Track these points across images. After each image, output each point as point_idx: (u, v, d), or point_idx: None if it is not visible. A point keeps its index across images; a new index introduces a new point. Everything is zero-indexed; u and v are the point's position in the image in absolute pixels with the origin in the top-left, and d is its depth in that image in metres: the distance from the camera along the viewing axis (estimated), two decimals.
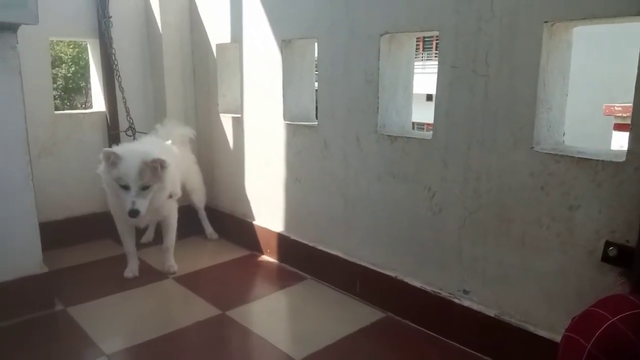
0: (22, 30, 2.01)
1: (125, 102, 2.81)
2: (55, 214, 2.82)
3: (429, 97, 13.36)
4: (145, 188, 2.19)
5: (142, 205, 2.17)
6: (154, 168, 2.19)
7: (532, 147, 1.60)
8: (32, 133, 2.35)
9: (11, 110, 2.01)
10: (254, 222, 2.85)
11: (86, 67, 18.84)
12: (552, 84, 1.61)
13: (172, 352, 1.89)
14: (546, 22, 1.53)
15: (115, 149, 2.25)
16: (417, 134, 2.05)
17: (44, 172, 2.73)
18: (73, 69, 19.31)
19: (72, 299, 2.25)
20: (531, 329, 1.67)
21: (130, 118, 2.80)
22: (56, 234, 2.72)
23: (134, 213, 2.14)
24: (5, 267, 2.05)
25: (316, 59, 2.36)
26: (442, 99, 1.84)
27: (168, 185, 2.32)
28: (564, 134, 1.69)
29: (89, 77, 3.11)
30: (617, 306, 1.06)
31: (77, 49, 18.89)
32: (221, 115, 2.97)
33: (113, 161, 2.17)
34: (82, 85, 19.59)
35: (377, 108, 2.05)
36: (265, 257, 2.78)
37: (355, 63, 2.12)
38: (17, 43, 1.99)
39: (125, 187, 2.16)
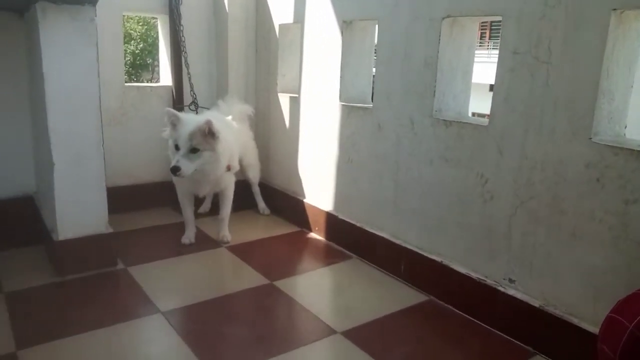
0: (98, 5, 2.14)
1: (190, 78, 2.94)
2: (121, 180, 3.01)
3: (492, 88, 12.93)
4: (194, 151, 2.29)
5: (186, 166, 2.27)
6: (205, 134, 2.29)
7: (590, 138, 1.57)
8: (103, 102, 2.50)
9: (88, 78, 2.15)
10: (305, 200, 2.92)
11: (154, 44, 19.52)
12: (617, 74, 1.57)
13: (222, 314, 2.00)
14: (614, 9, 1.48)
15: (177, 112, 2.39)
16: (473, 119, 2.03)
17: (113, 140, 2.91)
18: (141, 45, 20.07)
19: (132, 260, 2.41)
20: (575, 321, 1.65)
21: (194, 93, 2.93)
22: (120, 199, 2.89)
23: (174, 170, 2.25)
24: (75, 225, 2.22)
25: (376, 41, 2.37)
26: (501, 85, 1.82)
27: (222, 158, 2.41)
28: (625, 127, 1.64)
29: (156, 54, 3.27)
30: None
31: (145, 27, 19.59)
32: (279, 94, 3.05)
33: (173, 122, 2.33)
34: (149, 62, 20.35)
35: (434, 92, 2.05)
36: (314, 235, 2.85)
37: (415, 46, 2.12)
38: (96, 16, 2.13)
39: (177, 148, 2.29)
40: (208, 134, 2.29)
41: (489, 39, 18.14)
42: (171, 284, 2.25)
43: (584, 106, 1.58)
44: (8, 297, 2.04)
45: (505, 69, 1.80)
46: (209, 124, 2.27)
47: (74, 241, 2.22)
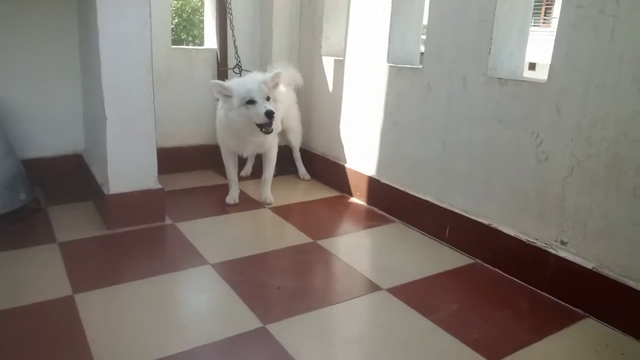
0: None
1: (234, 41, 2.95)
2: (166, 141, 3.05)
3: (531, 66, 12.56)
4: (268, 99, 2.37)
5: (273, 107, 2.36)
6: (272, 85, 2.42)
7: None
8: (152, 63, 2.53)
9: (141, 36, 2.18)
10: (346, 165, 2.92)
11: (189, 19, 19.61)
12: None
13: (267, 268, 2.04)
14: None
15: (223, 82, 2.43)
16: (529, 77, 1.98)
17: (159, 102, 2.91)
18: (176, 20, 20.17)
19: (180, 216, 2.46)
20: (632, 284, 1.62)
21: (238, 56, 2.94)
22: (166, 160, 2.93)
23: (269, 114, 2.31)
24: (126, 179, 2.28)
25: None
26: (562, 41, 1.76)
27: (280, 107, 2.49)
28: None
29: (189, 29, 3.27)
30: None
31: (181, 1, 19.64)
32: (323, 57, 3.02)
33: (222, 92, 2.38)
34: (183, 37, 20.45)
35: (490, 49, 2.00)
36: (355, 199, 2.85)
37: (470, 1, 2.06)
38: None
39: (252, 102, 2.34)
40: (273, 86, 2.42)
41: None
42: (218, 239, 2.29)
43: None
44: (62, 246, 2.11)
45: (567, 24, 1.74)
46: (278, 75, 2.43)
47: (124, 195, 2.28)
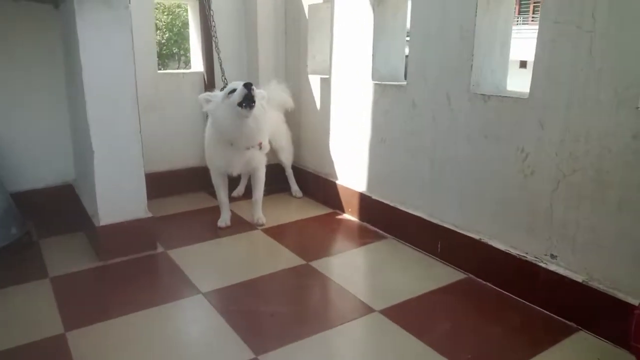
0: None
1: (220, 63, 2.95)
2: (157, 166, 3.06)
3: (522, 64, 12.60)
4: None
5: (255, 92, 2.34)
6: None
7: (638, 107, 1.52)
8: (138, 90, 2.54)
9: (124, 66, 2.19)
10: (337, 182, 2.92)
11: (179, 33, 19.67)
12: None
13: (260, 294, 2.03)
14: None
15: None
16: (512, 93, 1.99)
17: (148, 127, 2.94)
18: (167, 35, 20.25)
19: (172, 243, 2.46)
20: (621, 296, 1.62)
21: (225, 79, 2.94)
22: (157, 184, 2.95)
23: (247, 85, 2.31)
24: (116, 210, 2.27)
25: (409, 16, 2.33)
26: (542, 56, 1.77)
27: (264, 121, 2.49)
28: None
29: (181, 43, 3.30)
30: None
31: (170, 16, 19.73)
32: (310, 76, 3.04)
33: (208, 99, 2.46)
34: (175, 51, 20.53)
35: (472, 66, 2.01)
36: (347, 216, 2.86)
37: (450, 19, 2.07)
38: (130, 3, 2.15)
39: (234, 91, 2.36)
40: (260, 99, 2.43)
41: (518, 14, 17.67)
42: (210, 266, 2.29)
43: (630, 75, 1.52)
44: (54, 281, 2.11)
45: (546, 39, 1.75)
46: (262, 94, 2.47)
47: (114, 226, 2.28)
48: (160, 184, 3.02)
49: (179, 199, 3.09)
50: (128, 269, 2.22)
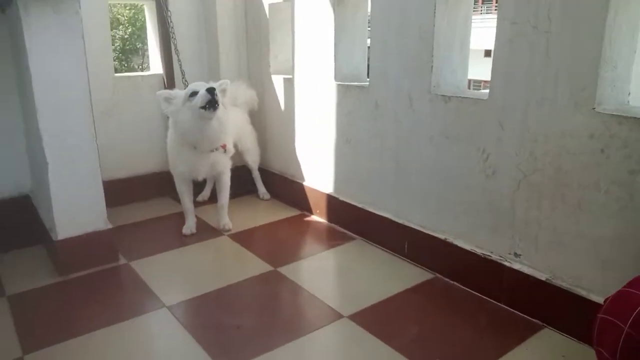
0: None
1: (180, 65, 2.87)
2: (117, 172, 2.97)
3: (487, 53, 12.80)
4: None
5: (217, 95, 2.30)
6: (220, 89, 2.39)
7: (594, 108, 1.53)
8: (94, 94, 2.44)
9: (76, 74, 2.10)
10: (304, 183, 2.89)
11: (142, 28, 19.20)
12: (619, 40, 1.52)
13: (227, 305, 1.99)
14: None
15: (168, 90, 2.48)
16: (472, 93, 1.99)
17: (106, 133, 2.86)
18: (130, 30, 19.75)
19: (134, 254, 2.39)
20: (583, 293, 1.64)
21: (186, 80, 2.86)
22: (118, 192, 2.87)
23: (209, 89, 2.27)
24: (73, 223, 2.20)
25: (369, 16, 2.31)
26: (500, 57, 1.77)
27: (228, 122, 2.44)
28: (629, 94, 1.60)
29: (145, 38, 3.19)
30: None
31: (133, 10, 19.25)
32: (273, 76, 2.99)
33: (167, 98, 2.38)
34: (139, 46, 20.06)
35: (432, 67, 2.00)
36: (315, 217, 2.83)
37: (409, 19, 2.06)
38: (80, 8, 2.06)
39: (195, 94, 2.31)
40: (221, 92, 2.39)
41: (482, 3, 17.89)
42: (175, 276, 2.24)
43: (586, 75, 1.54)
44: (11, 300, 2.03)
45: (503, 40, 1.75)
46: (225, 84, 2.44)
47: (73, 239, 2.20)
48: (121, 192, 2.94)
49: (142, 206, 3.01)
50: (89, 284, 2.15)
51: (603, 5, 1.46)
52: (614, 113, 1.49)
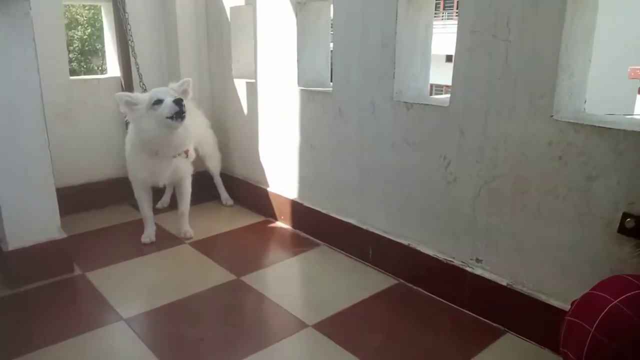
0: None
1: (138, 68, 2.80)
2: (73, 179, 2.86)
3: (448, 58, 13.03)
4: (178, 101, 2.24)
5: (184, 103, 2.23)
6: (183, 91, 2.39)
7: (552, 116, 1.56)
8: (47, 98, 2.35)
9: (26, 78, 2.00)
10: (268, 189, 2.86)
11: (102, 29, 18.72)
12: (576, 49, 1.55)
13: (188, 316, 1.94)
14: None
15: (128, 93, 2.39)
16: (433, 100, 2.00)
17: (61, 137, 2.75)
18: (89, 31, 19.25)
19: (91, 264, 2.30)
20: (543, 298, 1.67)
21: (144, 84, 2.79)
22: (74, 199, 2.76)
23: (178, 101, 2.19)
24: (24, 233, 2.09)
25: (332, 22, 2.30)
26: (460, 64, 1.79)
27: (191, 127, 2.40)
28: (585, 102, 1.63)
29: (104, 41, 3.09)
30: (617, 288, 1.04)
31: (92, 11, 18.77)
32: (235, 80, 2.94)
33: (128, 102, 2.26)
34: (98, 47, 19.55)
35: (394, 74, 2.00)
36: (279, 224, 2.80)
37: (371, 26, 2.06)
38: (30, 9, 1.97)
39: (159, 102, 2.23)
40: (182, 93, 2.34)
41: (443, 9, 18.23)
42: (132, 287, 2.16)
43: (544, 83, 1.57)
44: None
45: (463, 48, 1.77)
46: (187, 83, 2.40)
47: (25, 250, 2.10)
48: (77, 199, 2.83)
49: (99, 214, 2.90)
50: (42, 297, 2.05)
51: (560, 14, 1.49)
52: (571, 121, 1.53)
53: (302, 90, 2.48)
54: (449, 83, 1.85)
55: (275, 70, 2.63)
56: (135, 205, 2.64)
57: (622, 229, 1.44)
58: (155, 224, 2.62)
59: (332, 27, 2.33)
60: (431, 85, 2.19)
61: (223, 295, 2.08)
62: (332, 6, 2.28)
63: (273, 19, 2.57)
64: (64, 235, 2.20)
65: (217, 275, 2.23)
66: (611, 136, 1.44)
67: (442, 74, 6.23)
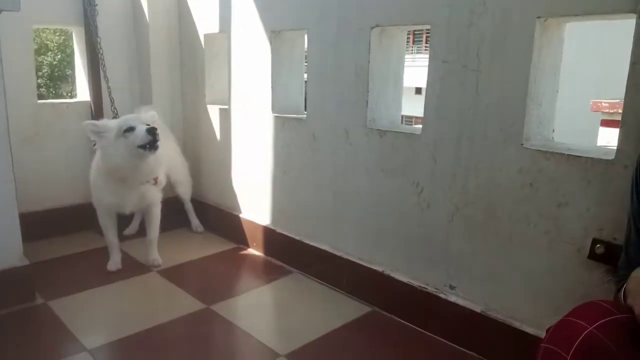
0: (4, 17, 1.95)
1: (110, 92, 2.76)
2: (37, 204, 2.76)
3: (417, 91, 13.36)
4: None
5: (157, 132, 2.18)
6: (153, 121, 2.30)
7: (522, 144, 1.60)
8: (13, 122, 2.28)
9: None
10: (240, 215, 2.82)
11: (72, 55, 18.52)
12: (544, 80, 1.60)
13: (154, 347, 1.86)
14: (539, 17, 1.52)
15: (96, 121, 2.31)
16: (406, 128, 2.03)
17: (26, 162, 2.66)
18: (59, 56, 19.01)
19: (54, 292, 2.20)
20: (517, 325, 1.67)
21: (115, 108, 2.74)
22: (38, 225, 2.66)
23: (151, 130, 2.14)
24: None
25: (306, 50, 2.33)
26: (432, 94, 1.82)
27: (162, 154, 2.33)
28: (553, 131, 1.68)
29: (75, 65, 3.04)
30: (592, 314, 1.04)
31: (63, 37, 18.59)
32: (208, 106, 2.93)
33: (97, 131, 2.22)
34: (68, 73, 19.29)
35: (367, 102, 2.03)
36: (252, 251, 2.76)
37: (345, 56, 2.09)
38: None
39: (130, 129, 2.17)
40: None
41: (413, 43, 18.75)
42: (98, 317, 2.07)
43: (514, 112, 1.61)
44: None
45: (435, 77, 1.80)
46: (154, 116, 2.34)
47: None
48: (41, 225, 2.72)
49: (63, 241, 2.80)
50: (1, 327, 1.95)
51: (528, 46, 1.54)
52: (540, 149, 1.56)
53: (276, 116, 2.48)
54: (419, 115, 1.88)
55: (249, 96, 2.63)
56: (101, 232, 2.56)
57: (592, 255, 1.47)
58: (123, 251, 2.54)
59: (306, 56, 2.35)
60: (401, 117, 2.22)
61: (192, 325, 2.01)
62: (306, 36, 2.31)
63: (247, 46, 2.58)
64: (26, 263, 2.11)
65: (185, 304, 2.16)
66: (580, 164, 1.48)
67: (412, 106, 6.35)
